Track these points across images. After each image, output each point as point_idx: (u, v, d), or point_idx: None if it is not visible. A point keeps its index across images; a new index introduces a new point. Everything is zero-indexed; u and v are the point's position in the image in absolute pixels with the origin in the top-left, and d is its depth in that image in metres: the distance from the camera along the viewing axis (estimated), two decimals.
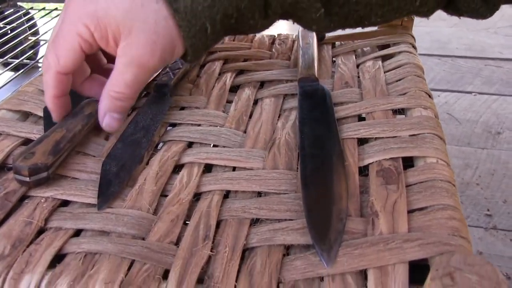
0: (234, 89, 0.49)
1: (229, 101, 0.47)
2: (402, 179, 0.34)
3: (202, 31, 0.34)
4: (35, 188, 0.36)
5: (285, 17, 0.38)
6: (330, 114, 0.40)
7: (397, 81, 0.46)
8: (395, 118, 0.40)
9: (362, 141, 0.39)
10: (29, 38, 1.49)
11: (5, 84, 1.05)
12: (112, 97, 0.37)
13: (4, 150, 0.40)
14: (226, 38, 0.59)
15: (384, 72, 0.48)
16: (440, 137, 0.38)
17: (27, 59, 1.33)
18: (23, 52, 1.38)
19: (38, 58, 1.31)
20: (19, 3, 1.63)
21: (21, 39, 1.40)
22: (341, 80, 0.47)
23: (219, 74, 0.52)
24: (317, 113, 0.41)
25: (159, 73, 0.49)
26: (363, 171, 0.36)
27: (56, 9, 1.54)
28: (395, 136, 0.38)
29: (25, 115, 0.47)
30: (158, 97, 0.46)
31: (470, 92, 1.40)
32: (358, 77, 0.48)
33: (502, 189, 1.04)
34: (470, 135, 1.22)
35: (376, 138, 0.38)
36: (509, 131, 1.24)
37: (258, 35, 0.59)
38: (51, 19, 1.47)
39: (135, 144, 0.39)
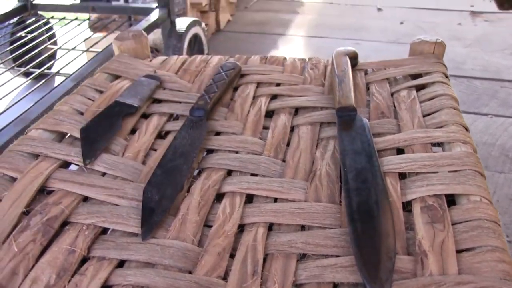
0: (269, 114, 0.49)
1: (265, 127, 0.47)
2: (448, 217, 0.34)
3: None
4: (76, 215, 0.36)
5: None
6: (371, 146, 0.40)
7: (433, 112, 0.46)
8: (436, 153, 0.40)
9: (403, 175, 0.39)
10: (48, 47, 1.50)
11: (26, 95, 1.05)
12: None
13: (44, 173, 0.40)
14: (258, 60, 0.59)
15: (420, 103, 0.47)
16: (481, 174, 0.38)
17: (46, 69, 1.34)
18: (42, 63, 1.39)
19: (58, 68, 1.31)
20: (40, 12, 1.65)
21: (40, 49, 1.41)
22: (377, 110, 0.47)
23: (253, 98, 0.52)
24: (357, 145, 0.41)
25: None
26: (406, 206, 0.36)
27: (76, 19, 1.56)
28: (436, 172, 0.38)
29: (61, 135, 0.47)
30: (194, 121, 0.46)
31: (486, 114, 1.40)
32: (394, 106, 0.48)
33: None
34: (487, 158, 1.21)
35: (417, 173, 0.38)
36: None
37: (289, 59, 0.59)
38: (71, 29, 1.48)
39: (175, 171, 0.39)
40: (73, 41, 1.39)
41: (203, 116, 0.46)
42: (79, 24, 1.54)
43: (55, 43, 1.55)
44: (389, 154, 0.41)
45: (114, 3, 1.53)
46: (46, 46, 1.44)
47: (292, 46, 1.93)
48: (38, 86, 1.09)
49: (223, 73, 0.53)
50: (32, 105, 0.96)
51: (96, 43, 1.36)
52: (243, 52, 1.94)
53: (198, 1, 1.89)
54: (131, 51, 0.62)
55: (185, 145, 0.42)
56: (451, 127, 0.43)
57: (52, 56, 1.56)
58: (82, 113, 0.50)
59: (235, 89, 0.54)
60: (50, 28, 1.66)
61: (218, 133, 0.47)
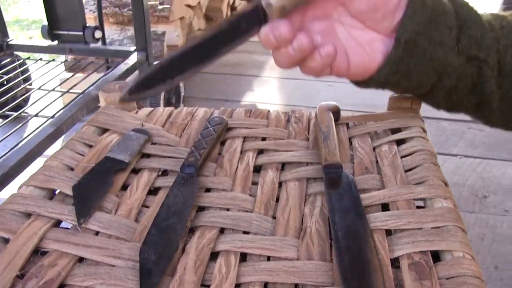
0: (256, 168, 0.51)
1: (254, 183, 0.48)
2: (434, 274, 0.36)
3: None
4: (73, 277, 0.36)
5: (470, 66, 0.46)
6: (358, 203, 0.42)
7: (414, 168, 0.48)
8: (419, 209, 0.42)
9: (388, 231, 0.41)
10: (25, 88, 1.50)
11: (3, 138, 1.04)
12: None
13: (38, 233, 0.40)
14: (243, 113, 0.61)
15: (401, 158, 0.50)
16: (463, 230, 0.40)
17: (18, 109, 1.33)
18: (18, 105, 1.38)
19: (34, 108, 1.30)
20: (16, 52, 1.64)
21: (16, 91, 1.41)
22: (361, 165, 0.49)
23: (241, 152, 0.53)
24: (345, 202, 0.42)
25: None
26: (394, 262, 0.38)
27: (53, 60, 1.56)
28: (421, 228, 0.40)
29: (52, 191, 0.47)
30: (185, 178, 0.47)
31: (455, 155, 1.45)
32: (376, 161, 0.50)
33: (492, 254, 1.07)
34: (458, 199, 1.25)
35: (402, 230, 0.40)
36: (494, 194, 1.29)
37: (273, 111, 0.62)
38: (48, 71, 1.47)
39: (170, 230, 0.40)
40: (50, 83, 1.39)
41: (194, 173, 0.47)
42: (56, 66, 1.55)
43: (31, 84, 1.55)
44: (374, 210, 0.43)
45: (92, 45, 1.54)
46: (22, 87, 1.43)
47: (267, 88, 1.98)
48: (16, 130, 1.08)
49: (211, 128, 0.54)
50: (9, 150, 0.95)
51: (75, 85, 1.36)
52: (219, 94, 1.97)
53: (175, 43, 1.92)
54: (117, 103, 0.63)
55: (178, 203, 0.43)
56: (431, 182, 0.45)
57: (27, 98, 1.55)
58: (72, 169, 0.50)
59: (222, 142, 0.56)
60: (26, 70, 1.66)
61: (208, 189, 0.48)
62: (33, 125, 1.15)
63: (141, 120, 0.60)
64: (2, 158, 0.91)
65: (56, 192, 0.47)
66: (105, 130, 0.58)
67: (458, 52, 0.45)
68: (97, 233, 0.42)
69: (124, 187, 0.48)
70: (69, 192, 0.46)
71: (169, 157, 0.53)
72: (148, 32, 1.43)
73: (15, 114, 1.21)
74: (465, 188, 1.30)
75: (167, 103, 1.57)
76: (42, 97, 1.30)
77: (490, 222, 1.18)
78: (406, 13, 0.43)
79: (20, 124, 1.16)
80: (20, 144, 0.96)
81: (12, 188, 1.05)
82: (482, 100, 0.48)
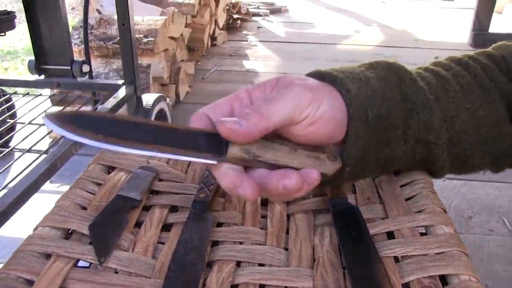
0: (263, 202, 0.53)
1: (263, 216, 0.50)
2: None
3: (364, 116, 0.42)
4: None
5: (420, 147, 0.47)
6: (366, 233, 0.45)
7: (413, 196, 0.51)
8: (423, 236, 0.45)
9: (395, 258, 0.43)
10: (7, 121, 1.50)
11: None
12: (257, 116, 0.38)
13: (60, 273, 0.42)
14: None
15: (400, 187, 0.53)
16: (465, 254, 0.43)
17: (5, 145, 1.33)
18: (4, 139, 1.38)
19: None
20: (2, 87, 1.65)
21: (2, 128, 1.40)
22: (363, 195, 0.52)
23: None
24: (354, 232, 0.45)
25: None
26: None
27: (40, 94, 1.57)
28: (426, 254, 0.43)
29: (66, 231, 0.48)
30: (198, 214, 0.49)
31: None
32: (377, 191, 0.53)
33: (482, 275, 1.10)
34: None
35: (409, 256, 0.43)
36: (479, 215, 1.33)
37: None
38: (37, 105, 1.48)
39: (190, 266, 0.42)
40: (38, 118, 1.39)
41: (206, 208, 0.49)
42: (44, 101, 1.56)
43: (13, 119, 1.55)
44: (381, 239, 0.46)
45: (79, 79, 1.56)
46: (10, 123, 1.43)
47: None
48: (10, 165, 1.08)
49: None
50: (4, 187, 0.95)
51: None
52: None
53: (160, 75, 1.95)
54: None
55: (194, 239, 0.45)
56: (431, 210, 0.48)
57: (12, 133, 1.54)
58: (85, 208, 0.52)
59: None
60: (12, 105, 1.66)
61: (219, 224, 0.50)
62: (21, 161, 1.15)
63: (145, 157, 0.62)
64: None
65: (69, 231, 0.49)
66: (111, 168, 0.60)
67: (406, 139, 0.46)
68: (116, 271, 0.43)
69: (137, 224, 0.50)
70: (85, 231, 0.47)
71: (177, 193, 0.54)
72: (136, 65, 1.45)
73: (7, 150, 1.22)
74: (451, 209, 1.34)
75: None
76: (33, 132, 1.30)
77: (477, 242, 1.22)
78: (349, 141, 0.43)
79: (13, 160, 1.16)
80: (16, 181, 0.96)
81: (9, 226, 1.05)
82: (432, 169, 0.52)
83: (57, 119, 0.35)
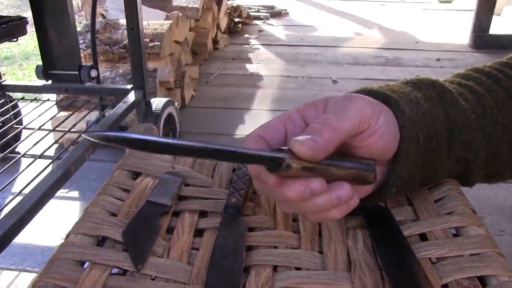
0: None
1: (294, 220, 0.51)
2: None
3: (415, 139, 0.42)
4: None
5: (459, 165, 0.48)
6: (401, 235, 0.45)
7: (441, 198, 0.51)
8: (457, 237, 0.45)
9: (431, 260, 0.43)
10: (14, 126, 1.50)
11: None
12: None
13: (99, 281, 0.42)
14: None
15: (428, 189, 0.53)
16: (501, 255, 0.43)
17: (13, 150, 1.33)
18: (7, 144, 1.38)
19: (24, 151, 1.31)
20: (9, 93, 1.64)
21: (5, 128, 1.40)
22: (396, 197, 0.52)
23: None
24: (388, 234, 0.45)
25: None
26: None
27: (48, 100, 1.57)
28: (462, 255, 0.43)
29: (98, 237, 0.48)
30: (230, 219, 0.49)
31: None
32: (406, 195, 0.53)
33: None
34: None
35: (445, 258, 0.43)
36: (489, 216, 1.33)
37: None
38: (44, 111, 1.48)
39: (229, 271, 0.42)
40: (46, 123, 1.39)
41: (238, 213, 0.49)
42: (51, 106, 1.56)
43: (20, 124, 1.54)
44: (415, 240, 0.46)
45: (87, 84, 1.56)
46: (19, 129, 1.43)
47: (259, 121, 2.01)
48: (22, 172, 1.08)
49: (244, 168, 0.57)
50: (19, 193, 0.95)
51: (74, 125, 1.37)
52: (212, 128, 1.99)
53: (166, 79, 1.96)
54: None
55: (230, 244, 0.45)
56: (462, 211, 0.48)
57: (18, 139, 1.54)
58: (115, 215, 0.52)
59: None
60: (19, 112, 1.66)
61: (251, 229, 0.50)
62: (29, 167, 1.15)
63: (170, 162, 0.62)
64: (16, 202, 0.91)
65: (101, 238, 0.49)
66: (136, 173, 0.60)
67: (449, 159, 0.46)
68: (152, 277, 0.43)
69: (168, 230, 0.50)
70: (118, 238, 0.47)
71: (206, 198, 0.55)
72: (145, 70, 1.45)
73: (18, 156, 1.21)
74: None
75: None
76: (42, 138, 1.30)
77: None
78: (399, 162, 0.43)
79: (25, 167, 1.16)
80: (31, 187, 0.96)
81: (27, 231, 1.05)
82: (464, 182, 0.52)
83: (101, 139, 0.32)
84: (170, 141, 0.32)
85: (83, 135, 0.32)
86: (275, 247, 0.46)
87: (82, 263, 0.45)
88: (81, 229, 0.49)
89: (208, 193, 0.55)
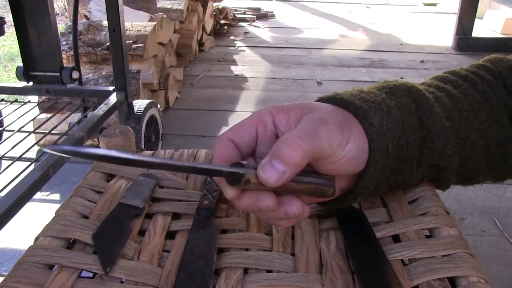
0: None
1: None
2: None
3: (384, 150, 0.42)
4: None
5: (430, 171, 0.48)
6: (373, 236, 0.45)
7: (416, 199, 0.51)
8: (429, 239, 0.45)
9: (403, 261, 0.43)
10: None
11: None
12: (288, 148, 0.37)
13: (66, 285, 0.41)
14: None
15: (403, 190, 0.53)
16: (472, 256, 0.43)
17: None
18: None
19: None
20: None
21: None
22: (366, 199, 0.52)
23: None
24: (361, 236, 0.45)
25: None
26: None
27: (29, 101, 1.55)
28: (433, 256, 0.43)
29: (68, 240, 0.47)
30: (203, 221, 0.48)
31: None
32: (381, 196, 0.53)
33: None
34: None
35: (417, 259, 0.43)
36: (470, 216, 1.34)
37: None
38: (25, 113, 1.46)
39: (198, 274, 0.41)
40: (26, 125, 1.37)
41: (210, 215, 0.49)
42: (32, 108, 1.54)
43: (1, 126, 1.52)
44: (387, 242, 0.46)
45: (69, 85, 1.54)
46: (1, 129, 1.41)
47: None
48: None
49: None
50: None
51: (55, 127, 1.35)
52: (196, 130, 1.98)
53: (149, 81, 1.94)
54: (119, 148, 0.64)
55: (201, 246, 0.45)
56: (435, 212, 0.48)
57: None
58: (86, 217, 0.51)
59: None
60: None
61: (223, 231, 0.49)
62: (9, 169, 1.13)
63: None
64: None
65: (72, 241, 0.48)
66: (110, 175, 0.59)
67: (419, 165, 0.46)
68: (122, 281, 0.43)
69: (140, 232, 0.49)
70: (88, 240, 0.47)
71: (180, 200, 0.54)
72: (127, 71, 1.44)
73: None
74: None
75: (147, 141, 1.58)
76: (22, 140, 1.28)
77: (470, 243, 1.22)
78: (366, 173, 0.43)
79: (2, 169, 1.14)
80: (8, 189, 0.94)
81: (5, 235, 1.03)
82: (437, 185, 0.52)
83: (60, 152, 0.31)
84: (127, 156, 0.32)
85: (44, 149, 0.32)
86: (247, 249, 0.46)
87: (51, 267, 0.44)
88: (50, 231, 0.48)
89: (182, 195, 0.55)
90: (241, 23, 4.05)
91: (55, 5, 2.17)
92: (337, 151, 0.40)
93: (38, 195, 1.57)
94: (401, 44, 3.46)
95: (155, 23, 2.06)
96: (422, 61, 3.05)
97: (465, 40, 3.29)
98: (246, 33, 3.80)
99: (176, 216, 0.52)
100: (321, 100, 0.46)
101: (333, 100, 0.45)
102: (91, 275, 0.44)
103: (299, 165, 0.37)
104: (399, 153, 0.44)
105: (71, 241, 0.48)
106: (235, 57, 3.14)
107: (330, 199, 0.44)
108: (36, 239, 0.47)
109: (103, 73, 1.84)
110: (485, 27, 3.85)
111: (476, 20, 3.30)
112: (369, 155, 0.42)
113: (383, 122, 0.43)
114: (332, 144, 0.39)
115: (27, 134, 1.34)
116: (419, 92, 0.47)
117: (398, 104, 0.45)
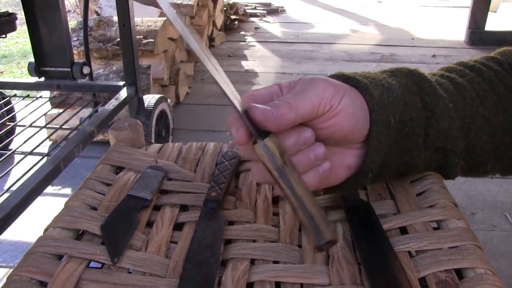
0: (274, 199, 0.53)
1: (275, 214, 0.50)
2: None
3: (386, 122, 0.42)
4: None
5: (437, 155, 0.47)
6: (380, 228, 0.45)
7: (423, 192, 0.51)
8: (437, 230, 0.45)
9: (410, 253, 0.43)
10: (7, 124, 1.49)
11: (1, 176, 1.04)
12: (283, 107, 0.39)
13: (74, 274, 0.41)
14: None
15: (410, 183, 0.53)
16: (480, 247, 0.43)
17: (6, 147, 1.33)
18: (0, 140, 1.38)
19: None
20: (1, 90, 1.64)
21: (5, 129, 1.40)
22: (374, 192, 0.52)
23: (257, 184, 0.55)
24: (368, 228, 0.45)
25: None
26: (420, 282, 0.40)
27: (41, 96, 1.56)
28: (441, 248, 0.43)
29: (78, 232, 0.48)
30: (210, 213, 0.49)
31: None
32: (388, 188, 0.53)
33: None
34: None
35: (424, 251, 0.43)
36: (481, 211, 1.33)
37: None
38: (36, 108, 1.47)
39: (205, 265, 0.42)
40: (38, 120, 1.39)
41: (217, 207, 0.49)
42: (44, 103, 1.55)
43: (13, 121, 1.54)
44: (394, 234, 0.45)
45: (79, 81, 1.55)
46: (9, 126, 1.43)
47: None
48: (12, 168, 1.08)
49: (226, 163, 0.56)
50: (7, 189, 0.95)
51: (66, 121, 1.36)
52: (206, 125, 1.98)
53: (160, 76, 1.95)
54: (128, 141, 0.65)
55: (208, 238, 0.45)
56: (443, 204, 0.48)
57: (11, 136, 1.54)
58: (95, 208, 0.51)
59: (236, 175, 0.58)
60: (11, 108, 1.66)
61: (231, 222, 0.49)
62: (22, 164, 1.15)
63: (153, 157, 0.62)
64: (3, 198, 0.90)
65: (80, 232, 0.48)
66: (119, 168, 0.60)
67: (426, 147, 0.46)
68: (129, 271, 0.43)
69: (148, 224, 0.50)
70: (97, 232, 0.47)
71: (188, 192, 0.54)
72: (137, 67, 1.45)
73: (8, 152, 1.21)
74: None
75: (158, 136, 1.58)
76: (34, 134, 1.30)
77: (481, 238, 1.21)
78: (371, 146, 0.43)
79: (14, 163, 1.16)
80: (19, 183, 0.95)
81: (13, 228, 1.04)
82: (445, 173, 0.51)
83: None
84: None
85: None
86: (254, 241, 0.46)
87: (60, 257, 0.44)
88: (60, 222, 0.48)
89: (190, 187, 0.55)
90: (252, 18, 4.04)
91: (66, 2, 2.19)
92: (333, 103, 0.40)
93: (50, 189, 1.59)
94: (413, 39, 3.43)
95: (165, 18, 2.07)
96: (433, 56, 3.02)
97: (477, 34, 3.24)
98: (256, 28, 3.79)
99: (183, 208, 0.53)
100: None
101: (335, 76, 0.46)
102: (99, 265, 0.45)
103: (285, 117, 0.38)
104: (403, 129, 0.44)
105: (79, 232, 0.48)
106: (245, 52, 3.13)
107: (341, 181, 0.45)
108: (46, 229, 0.48)
109: (114, 68, 1.85)
110: (499, 20, 3.80)
111: (490, 14, 3.26)
112: (371, 126, 0.43)
113: (384, 96, 0.43)
114: (323, 97, 0.40)
115: (38, 129, 1.36)
116: (421, 75, 0.48)
117: (399, 83, 0.46)
